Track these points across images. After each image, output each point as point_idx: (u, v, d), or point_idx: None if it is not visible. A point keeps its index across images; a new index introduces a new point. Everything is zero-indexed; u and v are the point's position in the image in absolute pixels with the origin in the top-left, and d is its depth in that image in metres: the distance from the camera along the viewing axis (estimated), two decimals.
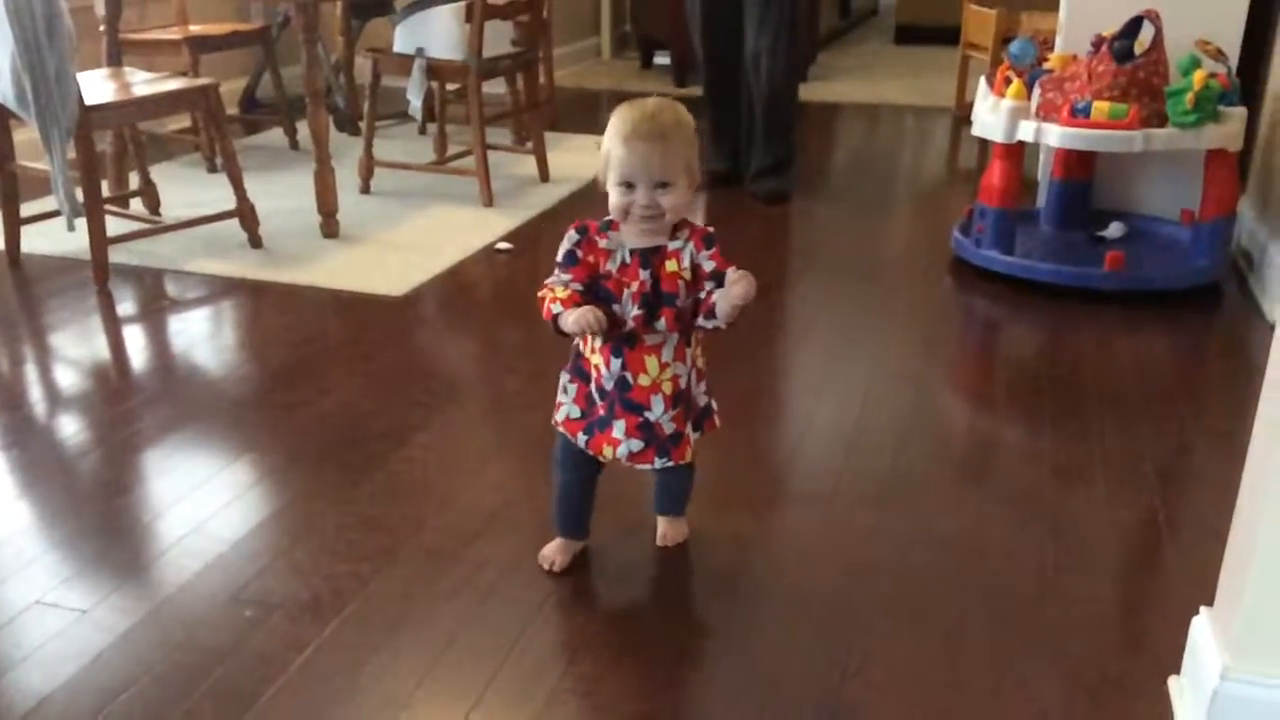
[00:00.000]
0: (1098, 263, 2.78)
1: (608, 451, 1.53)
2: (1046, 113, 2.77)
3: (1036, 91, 2.82)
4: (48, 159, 2.66)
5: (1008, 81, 2.85)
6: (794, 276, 3.11)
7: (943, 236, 3.12)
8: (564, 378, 1.57)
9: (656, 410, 1.50)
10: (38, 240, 3.02)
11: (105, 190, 2.96)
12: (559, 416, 1.57)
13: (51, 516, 1.80)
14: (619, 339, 1.48)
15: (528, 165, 3.80)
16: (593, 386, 1.53)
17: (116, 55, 3.30)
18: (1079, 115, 2.68)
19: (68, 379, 2.37)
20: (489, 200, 3.48)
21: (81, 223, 2.74)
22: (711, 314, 1.45)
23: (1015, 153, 2.82)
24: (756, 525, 1.79)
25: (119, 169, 3.28)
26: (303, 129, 3.50)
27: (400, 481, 1.90)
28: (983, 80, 3.03)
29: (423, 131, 4.25)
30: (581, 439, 1.55)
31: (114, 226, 2.87)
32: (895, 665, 1.44)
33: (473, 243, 3.16)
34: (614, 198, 1.44)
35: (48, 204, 2.88)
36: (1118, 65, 2.71)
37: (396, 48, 3.53)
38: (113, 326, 2.63)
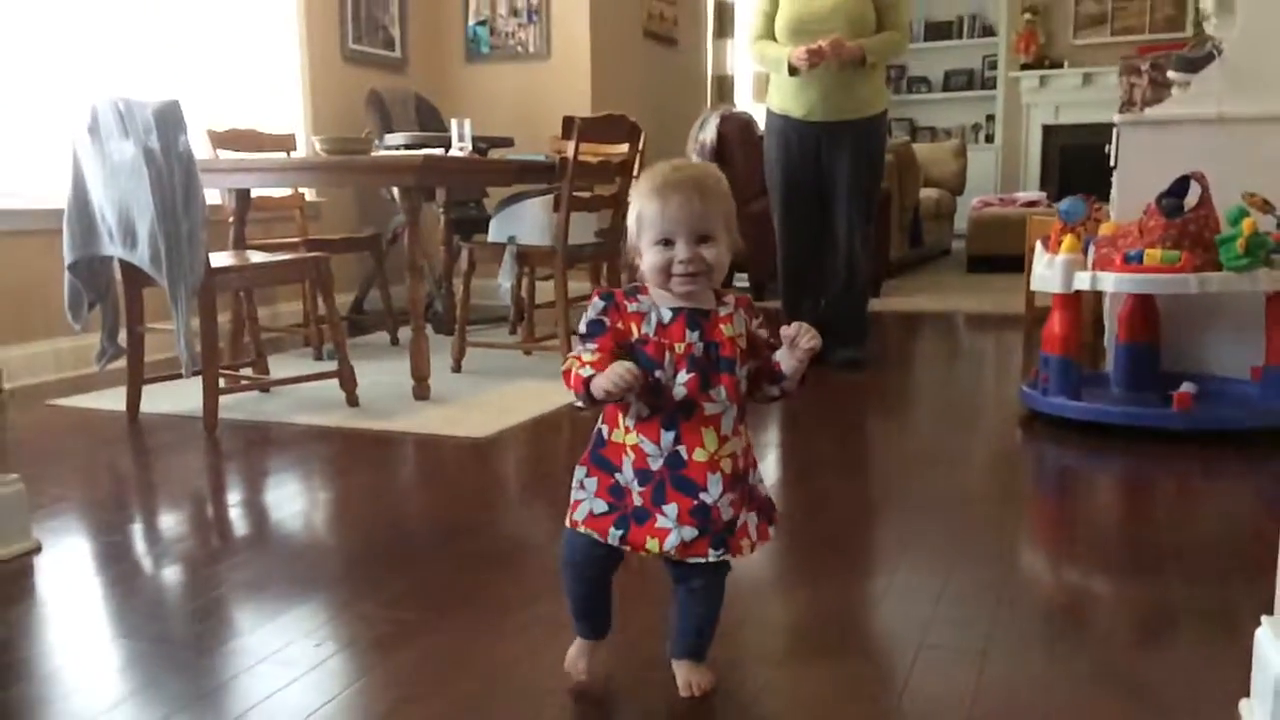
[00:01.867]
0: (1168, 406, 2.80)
1: (652, 545, 1.34)
2: (1102, 265, 2.89)
3: (1091, 250, 2.95)
4: (174, 315, 2.94)
5: (1062, 239, 2.99)
6: (874, 437, 3.17)
7: (1012, 389, 3.18)
8: (579, 472, 1.41)
9: (714, 491, 1.33)
10: (157, 400, 3.27)
11: (220, 359, 3.23)
12: (577, 516, 1.40)
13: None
14: (671, 410, 1.33)
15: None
16: (628, 472, 1.36)
17: (241, 244, 3.68)
18: (1132, 262, 2.79)
19: (169, 530, 2.51)
20: None
21: (196, 382, 2.99)
22: (776, 378, 1.38)
23: (1073, 302, 2.92)
24: (813, 682, 1.54)
25: (235, 343, 3.58)
26: (404, 335, 3.79)
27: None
28: (1039, 243, 3.17)
29: (513, 332, 4.53)
30: (614, 535, 1.36)
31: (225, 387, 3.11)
32: None
33: (554, 401, 3.32)
34: (650, 258, 1.32)
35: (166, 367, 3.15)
36: (1168, 220, 2.85)
37: (491, 238, 3.86)
38: (216, 466, 2.81)
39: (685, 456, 1.33)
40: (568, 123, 3.89)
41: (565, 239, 3.66)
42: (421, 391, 3.38)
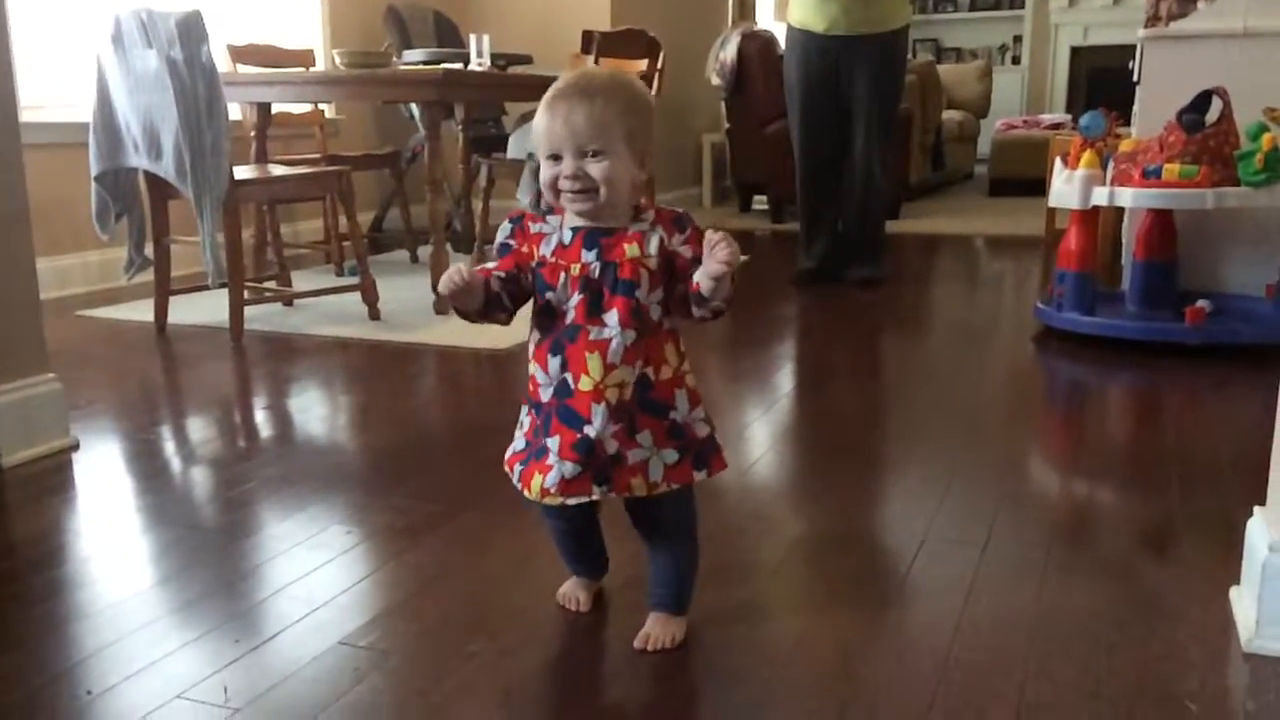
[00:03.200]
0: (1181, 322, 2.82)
1: (535, 483, 1.25)
2: (1120, 182, 2.89)
3: (1110, 166, 2.95)
4: (199, 226, 2.99)
5: (1081, 155, 2.99)
6: (887, 350, 3.20)
7: (1028, 310, 3.20)
8: (524, 409, 1.33)
9: (597, 423, 1.23)
10: (183, 312, 3.34)
11: (244, 274, 3.28)
12: (507, 453, 1.33)
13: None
14: (558, 334, 1.25)
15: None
16: (530, 406, 1.30)
17: (263, 159, 3.71)
18: (1150, 177, 2.79)
19: (199, 431, 2.59)
20: None
21: (221, 294, 3.05)
22: (702, 299, 1.22)
23: (1090, 219, 2.93)
24: (816, 576, 1.58)
25: (259, 257, 3.63)
26: (424, 253, 3.82)
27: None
28: (1058, 159, 3.17)
29: None
30: (516, 472, 1.30)
31: (249, 299, 3.17)
32: None
33: None
34: (542, 173, 1.23)
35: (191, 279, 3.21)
36: (1188, 135, 2.83)
37: (509, 155, 3.87)
38: (243, 373, 2.88)
39: (571, 385, 1.24)
40: (586, 37, 3.87)
41: None
42: (441, 306, 3.43)
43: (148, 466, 2.11)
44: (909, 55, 4.07)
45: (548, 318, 1.26)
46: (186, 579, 1.58)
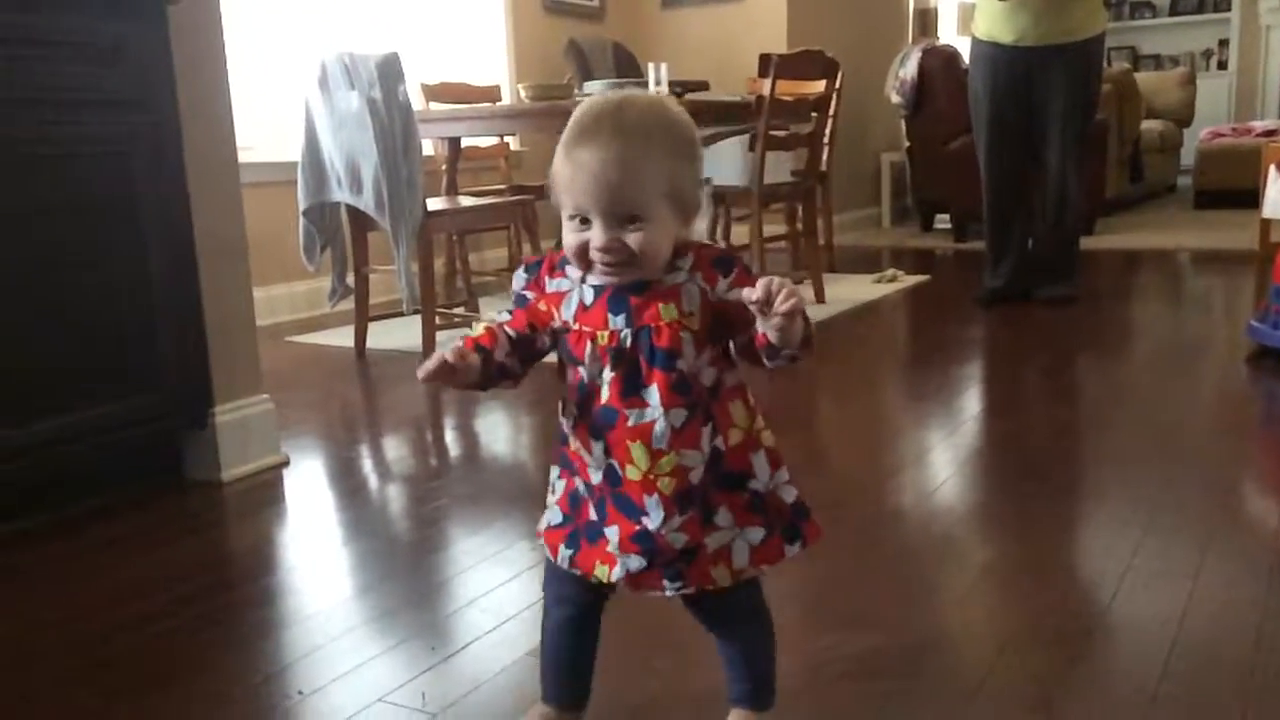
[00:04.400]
0: None
1: (600, 572, 1.06)
2: None
3: None
4: (395, 256, 3.16)
5: None
6: (1082, 371, 3.06)
7: (1240, 329, 2.99)
8: (554, 471, 1.13)
9: (655, 517, 1.03)
10: (380, 337, 3.52)
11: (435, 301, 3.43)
12: (540, 524, 1.14)
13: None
14: (595, 415, 1.03)
15: (803, 292, 4.01)
16: (578, 480, 1.08)
17: (453, 190, 3.88)
18: None
19: (394, 450, 2.72)
20: None
21: (415, 320, 3.20)
22: (774, 349, 0.99)
23: None
24: (1013, 601, 1.64)
25: (449, 284, 3.80)
26: None
27: None
28: (1272, 167, 2.95)
29: None
30: (564, 554, 1.09)
31: (441, 325, 3.32)
32: None
33: None
34: (565, 236, 1.01)
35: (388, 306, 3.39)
36: None
37: None
38: (434, 396, 3.01)
39: (619, 473, 1.03)
40: (764, 60, 3.88)
41: (761, 178, 3.68)
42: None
43: (349, 483, 2.24)
44: (1104, 64, 3.89)
45: (579, 394, 1.04)
46: (385, 589, 1.66)
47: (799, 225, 4.18)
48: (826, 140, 4.40)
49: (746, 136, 3.77)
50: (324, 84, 3.14)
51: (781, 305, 0.94)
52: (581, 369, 1.03)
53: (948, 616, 1.48)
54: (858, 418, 2.64)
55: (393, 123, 3.03)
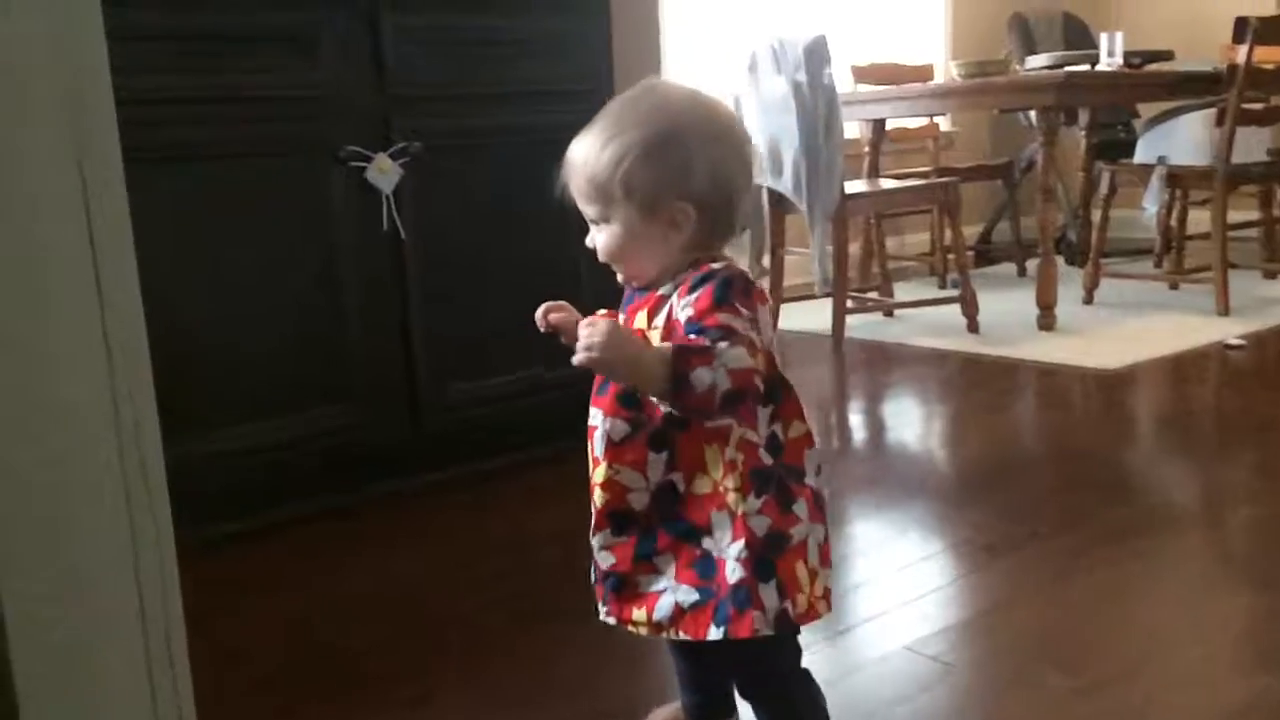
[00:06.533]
0: None
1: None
2: None
3: None
4: (811, 239, 3.17)
5: None
6: None
7: None
8: None
9: (594, 529, 0.98)
10: (792, 318, 3.57)
11: (849, 284, 3.41)
12: None
13: None
14: None
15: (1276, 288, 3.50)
16: None
17: (875, 173, 3.82)
18: None
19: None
20: (1224, 309, 3.27)
21: (826, 302, 3.20)
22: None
23: None
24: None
25: (864, 268, 3.75)
26: (1032, 267, 3.67)
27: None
28: None
29: (1158, 264, 4.14)
30: None
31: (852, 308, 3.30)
32: None
33: (1202, 337, 3.00)
34: None
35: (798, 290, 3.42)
36: None
37: (1137, 159, 3.56)
38: (841, 379, 3.00)
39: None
40: (1239, 25, 3.41)
41: (1228, 157, 3.24)
42: (1046, 321, 3.25)
43: None
44: None
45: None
46: None
47: (1276, 211, 3.64)
48: None
49: (1212, 110, 3.34)
50: (753, 69, 3.22)
51: (578, 353, 0.86)
52: None
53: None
54: None
55: (816, 106, 3.04)
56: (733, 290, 0.89)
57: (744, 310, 0.89)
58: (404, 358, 1.99)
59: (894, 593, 1.52)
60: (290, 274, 1.87)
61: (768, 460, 0.94)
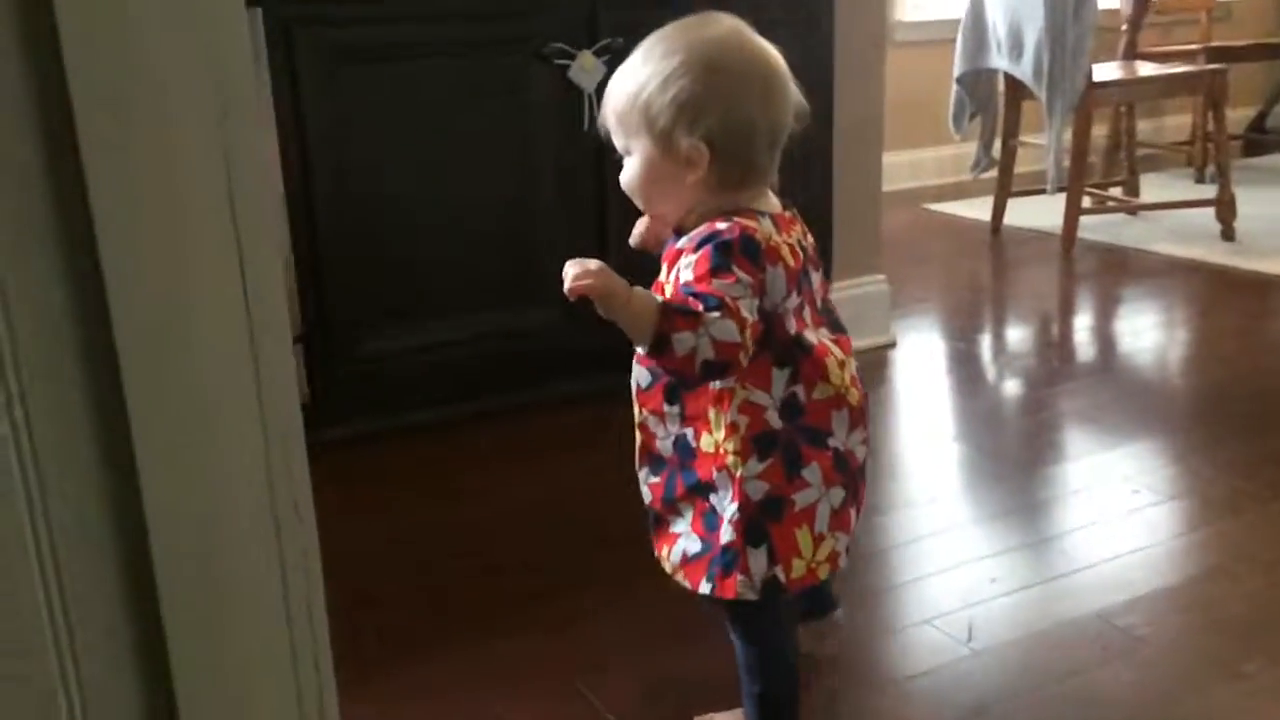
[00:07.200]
0: None
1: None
2: None
3: None
4: (1047, 129, 2.91)
5: None
6: None
7: None
8: None
9: (644, 469, 1.02)
10: (1019, 213, 3.32)
11: (1091, 176, 3.13)
12: None
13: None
14: None
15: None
16: None
17: (1132, 53, 3.44)
18: None
19: (1013, 345, 2.57)
20: None
21: (1059, 198, 2.95)
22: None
23: None
24: None
25: (1108, 161, 3.43)
26: None
27: None
28: None
29: None
30: None
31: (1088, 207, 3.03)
32: None
33: None
34: None
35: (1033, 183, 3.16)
36: None
37: None
38: (1068, 288, 2.78)
39: None
40: None
41: None
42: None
43: (956, 376, 2.18)
44: None
45: None
46: (958, 503, 1.61)
47: None
48: None
49: None
50: None
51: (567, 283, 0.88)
52: None
53: None
54: None
55: None
56: (732, 253, 0.89)
57: (744, 275, 0.88)
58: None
59: (1091, 549, 1.42)
60: (492, 173, 1.88)
61: (777, 423, 0.94)
